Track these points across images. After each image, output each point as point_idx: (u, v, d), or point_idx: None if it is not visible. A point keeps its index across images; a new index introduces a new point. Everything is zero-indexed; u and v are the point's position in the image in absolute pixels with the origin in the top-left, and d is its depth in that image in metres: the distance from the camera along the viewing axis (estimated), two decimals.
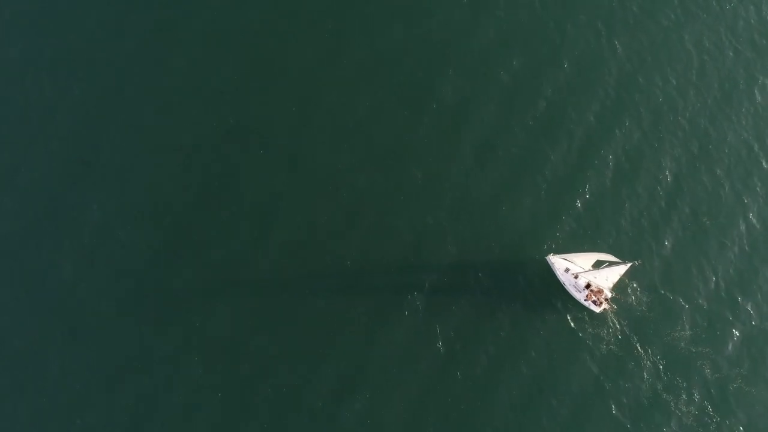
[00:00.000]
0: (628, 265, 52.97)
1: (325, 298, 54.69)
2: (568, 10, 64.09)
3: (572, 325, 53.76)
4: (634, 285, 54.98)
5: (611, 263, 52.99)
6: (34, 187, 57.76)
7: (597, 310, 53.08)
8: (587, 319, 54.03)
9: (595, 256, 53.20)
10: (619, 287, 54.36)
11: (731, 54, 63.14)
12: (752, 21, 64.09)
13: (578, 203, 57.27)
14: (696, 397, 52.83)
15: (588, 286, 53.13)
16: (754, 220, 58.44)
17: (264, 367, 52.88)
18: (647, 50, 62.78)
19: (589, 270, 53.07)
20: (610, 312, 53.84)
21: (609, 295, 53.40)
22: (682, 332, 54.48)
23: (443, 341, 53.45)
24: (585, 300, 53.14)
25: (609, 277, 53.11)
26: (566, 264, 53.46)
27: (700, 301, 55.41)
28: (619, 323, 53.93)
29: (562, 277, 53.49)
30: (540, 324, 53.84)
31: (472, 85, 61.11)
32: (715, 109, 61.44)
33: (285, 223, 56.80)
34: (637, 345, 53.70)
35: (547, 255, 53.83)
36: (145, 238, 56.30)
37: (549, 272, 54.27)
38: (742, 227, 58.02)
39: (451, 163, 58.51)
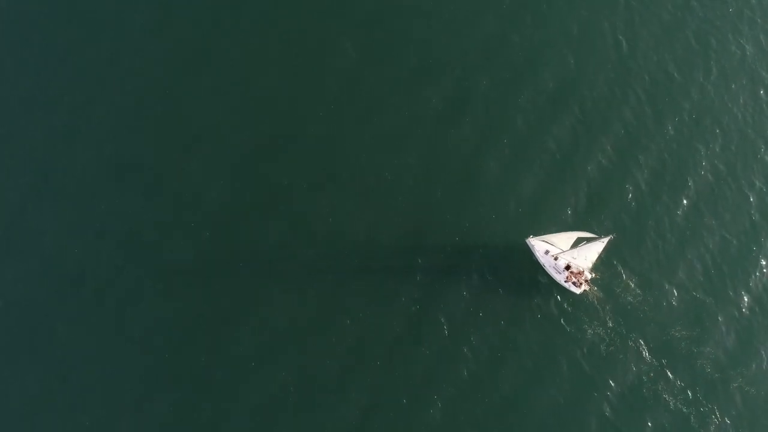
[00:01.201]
0: (605, 240, 50.60)
1: (339, 319, 53.04)
2: (594, 14, 62.95)
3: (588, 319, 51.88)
4: (635, 278, 52.69)
5: (589, 240, 50.93)
6: (65, 192, 57.40)
7: (577, 291, 50.68)
8: (583, 313, 51.78)
9: (573, 235, 51.42)
10: (635, 283, 52.60)
11: (747, 52, 61.39)
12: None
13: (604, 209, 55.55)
14: (684, 386, 49.58)
15: (568, 267, 51.03)
16: (757, 216, 55.45)
17: (285, 392, 51.01)
18: (665, 49, 61.71)
19: (569, 250, 51.09)
20: (595, 298, 51.34)
21: (589, 276, 50.95)
22: (680, 328, 51.57)
23: (467, 349, 51.82)
24: (565, 281, 50.93)
25: (588, 257, 50.88)
26: (546, 246, 51.83)
27: (698, 292, 52.94)
28: (611, 314, 51.34)
29: (542, 259, 51.75)
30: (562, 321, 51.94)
31: (484, 88, 59.88)
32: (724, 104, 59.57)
33: (297, 237, 55.27)
34: (631, 337, 51.26)
35: (527, 238, 52.50)
36: (173, 249, 55.17)
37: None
38: (746, 222, 55.27)
39: (479, 167, 57.03)
